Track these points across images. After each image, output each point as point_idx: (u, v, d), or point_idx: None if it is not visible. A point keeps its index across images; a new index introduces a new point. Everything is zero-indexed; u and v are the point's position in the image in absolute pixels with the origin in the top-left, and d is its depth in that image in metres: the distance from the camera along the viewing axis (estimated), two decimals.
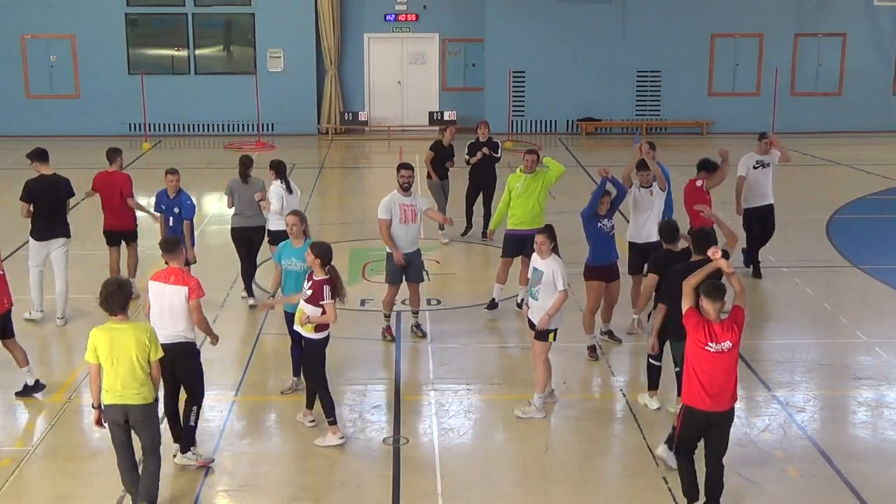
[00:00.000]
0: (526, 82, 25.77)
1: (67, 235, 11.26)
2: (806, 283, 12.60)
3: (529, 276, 8.97)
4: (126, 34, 25.59)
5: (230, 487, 7.76)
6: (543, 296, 8.68)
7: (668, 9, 25.53)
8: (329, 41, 25.76)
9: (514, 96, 25.54)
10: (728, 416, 7.07)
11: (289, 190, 11.68)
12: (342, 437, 8.36)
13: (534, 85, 25.72)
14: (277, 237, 10.96)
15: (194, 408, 8.04)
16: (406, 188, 10.47)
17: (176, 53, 26.11)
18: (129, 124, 25.56)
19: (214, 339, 8.38)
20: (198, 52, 26.01)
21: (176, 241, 8.21)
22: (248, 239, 11.97)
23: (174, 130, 25.93)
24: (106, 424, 7.21)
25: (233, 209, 12.09)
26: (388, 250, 10.61)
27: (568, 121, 26.24)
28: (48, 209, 11.01)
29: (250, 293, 12.01)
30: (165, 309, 7.93)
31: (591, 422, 8.89)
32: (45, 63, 25.58)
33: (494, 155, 14.83)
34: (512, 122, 25.41)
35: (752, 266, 12.86)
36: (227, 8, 25.91)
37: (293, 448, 8.46)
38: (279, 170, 11.72)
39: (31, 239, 11.20)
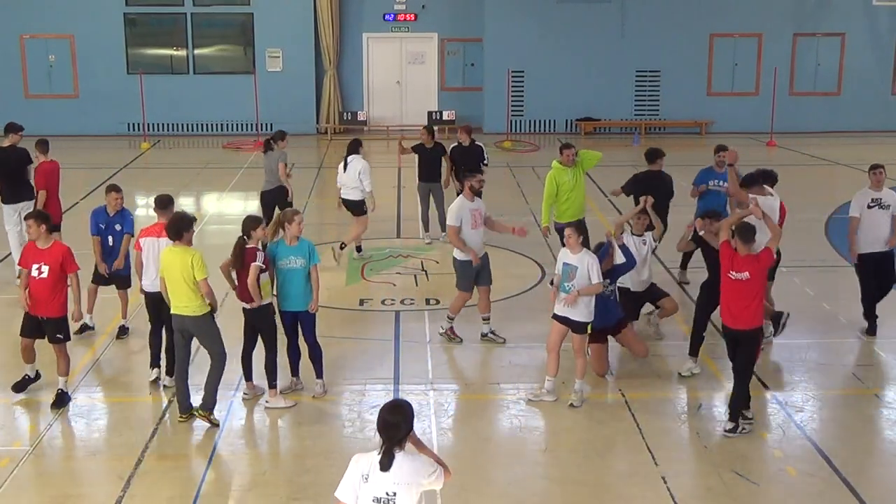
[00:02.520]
0: (525, 82, 25.78)
1: (31, 198, 12.49)
2: (805, 282, 12.59)
3: (558, 270, 8.98)
4: (125, 34, 25.60)
5: (229, 487, 7.76)
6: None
7: (667, 9, 25.54)
8: (328, 41, 25.76)
9: (513, 96, 25.54)
10: (748, 334, 8.46)
11: (344, 167, 13.49)
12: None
13: (533, 85, 25.73)
14: (345, 205, 13.59)
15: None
16: (479, 194, 10.40)
17: (175, 53, 26.11)
18: (128, 124, 25.56)
19: None
20: (197, 51, 26.00)
21: (169, 198, 9.64)
22: (267, 202, 13.67)
23: (173, 130, 25.93)
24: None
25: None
26: (459, 257, 10.35)
27: (567, 120, 26.24)
28: (8, 176, 12.59)
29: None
30: (159, 259, 8.91)
31: (591, 422, 8.88)
32: (43, 63, 25.58)
33: (483, 163, 14.20)
34: (511, 121, 25.42)
35: (867, 320, 10.95)
36: (226, 8, 25.90)
37: (292, 448, 8.47)
38: (348, 147, 13.62)
39: (2, 205, 12.73)
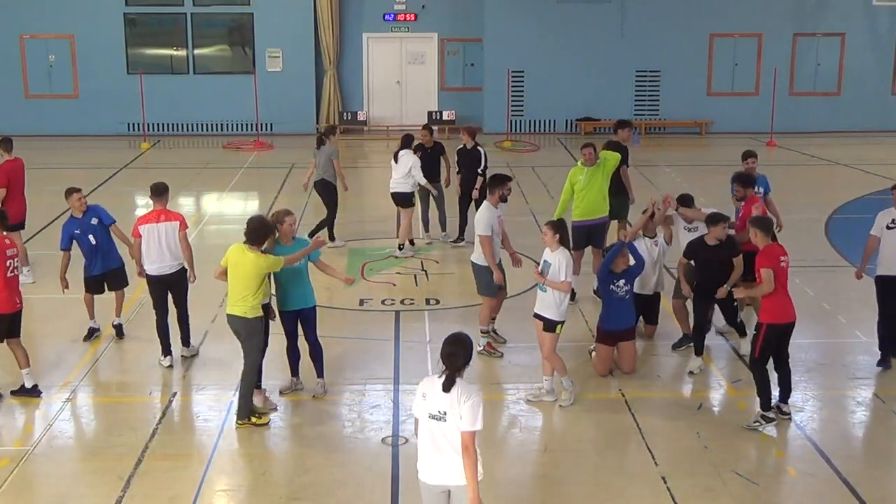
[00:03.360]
0: (525, 82, 25.77)
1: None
2: (805, 282, 12.57)
3: (540, 267, 9.04)
4: (125, 34, 25.57)
5: (229, 487, 7.76)
6: (552, 289, 8.90)
7: (666, 8, 25.53)
8: (328, 41, 25.76)
9: (513, 96, 25.54)
10: (794, 323, 8.64)
11: (395, 160, 14.08)
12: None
13: (533, 85, 25.72)
14: (394, 198, 14.15)
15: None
16: (506, 200, 10.30)
17: (175, 53, 26.10)
18: (128, 124, 25.55)
19: (193, 274, 9.98)
20: (197, 51, 25.99)
21: (164, 186, 10.01)
22: (319, 190, 14.37)
23: (173, 130, 25.91)
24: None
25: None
26: (480, 262, 10.20)
27: (567, 120, 26.23)
28: None
29: (331, 238, 14.27)
30: (162, 243, 9.66)
31: (591, 422, 8.89)
32: (43, 63, 25.56)
33: (479, 171, 14.07)
34: (511, 121, 25.41)
35: (881, 351, 10.13)
36: (226, 8, 25.88)
37: (292, 448, 8.47)
38: (401, 142, 14.29)
39: None
